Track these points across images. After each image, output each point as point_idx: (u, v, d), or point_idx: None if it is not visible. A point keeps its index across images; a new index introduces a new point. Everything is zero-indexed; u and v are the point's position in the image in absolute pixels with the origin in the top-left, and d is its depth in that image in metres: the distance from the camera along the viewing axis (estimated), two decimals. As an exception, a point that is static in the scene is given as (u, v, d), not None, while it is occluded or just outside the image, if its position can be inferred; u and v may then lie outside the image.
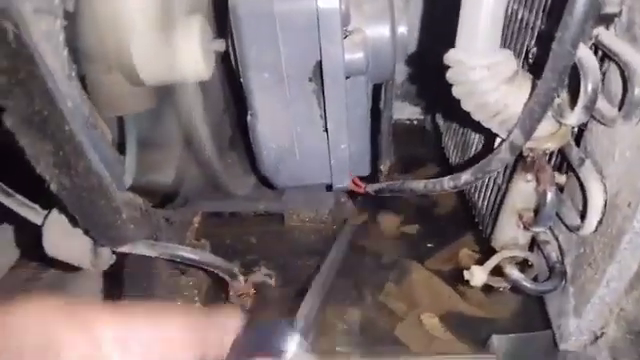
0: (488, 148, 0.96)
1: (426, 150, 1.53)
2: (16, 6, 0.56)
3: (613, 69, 0.69)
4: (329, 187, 1.01)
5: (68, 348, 0.45)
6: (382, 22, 0.85)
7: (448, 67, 0.74)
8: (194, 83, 0.88)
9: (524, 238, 0.84)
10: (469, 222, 1.20)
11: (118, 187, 0.71)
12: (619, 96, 0.67)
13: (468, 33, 0.69)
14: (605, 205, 0.71)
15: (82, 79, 0.76)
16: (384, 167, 1.28)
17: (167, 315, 0.51)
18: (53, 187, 0.64)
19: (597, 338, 0.76)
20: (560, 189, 0.83)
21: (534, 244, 0.89)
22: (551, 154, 0.84)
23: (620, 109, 0.66)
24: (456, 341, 0.94)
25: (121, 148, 0.95)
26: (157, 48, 0.89)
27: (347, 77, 0.84)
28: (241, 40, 0.82)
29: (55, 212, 0.79)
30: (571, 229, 0.80)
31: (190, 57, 0.88)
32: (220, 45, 0.94)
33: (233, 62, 0.90)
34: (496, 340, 0.86)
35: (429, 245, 1.19)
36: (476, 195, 1.02)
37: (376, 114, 1.12)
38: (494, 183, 0.93)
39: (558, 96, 0.71)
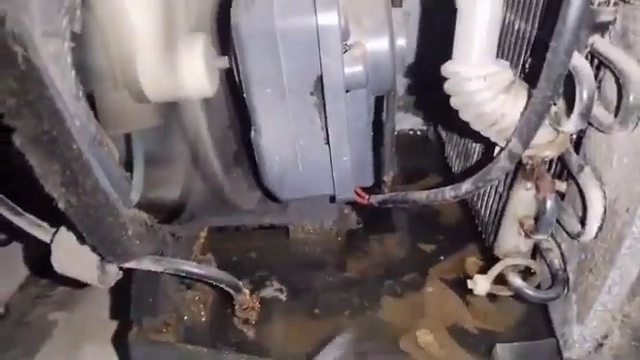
0: (488, 157, 0.97)
1: (429, 160, 1.54)
2: (26, 30, 0.58)
3: (608, 77, 0.70)
4: (332, 198, 1.02)
5: None
6: (381, 35, 0.87)
7: (446, 79, 0.75)
8: (199, 100, 0.90)
9: (526, 246, 0.85)
10: (473, 231, 1.21)
11: (124, 204, 0.72)
12: (615, 103, 0.68)
13: (464, 45, 0.71)
14: (605, 211, 0.72)
15: (89, 96, 0.78)
16: (387, 178, 1.28)
17: None
18: (61, 205, 0.65)
19: (601, 345, 0.76)
20: (561, 196, 0.84)
21: (537, 252, 0.89)
22: (551, 162, 0.85)
23: (616, 116, 0.67)
24: (461, 350, 0.94)
25: (128, 165, 0.97)
26: (162, 66, 0.91)
27: (347, 90, 0.86)
28: (243, 57, 0.84)
29: (63, 230, 0.81)
30: (572, 236, 0.81)
31: (194, 74, 0.90)
32: (223, 62, 0.96)
33: (236, 78, 0.91)
34: (500, 349, 0.86)
35: (433, 254, 1.19)
36: (478, 204, 1.03)
37: (378, 125, 1.13)
38: (495, 192, 0.94)
39: (554, 104, 0.73)
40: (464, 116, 0.76)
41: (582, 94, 0.66)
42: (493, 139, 0.77)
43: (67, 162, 0.62)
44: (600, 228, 0.73)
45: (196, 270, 0.83)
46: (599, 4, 0.69)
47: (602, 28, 0.71)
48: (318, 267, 1.17)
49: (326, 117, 0.88)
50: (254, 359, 0.89)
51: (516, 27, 0.88)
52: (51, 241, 0.82)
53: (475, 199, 1.04)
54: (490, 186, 0.98)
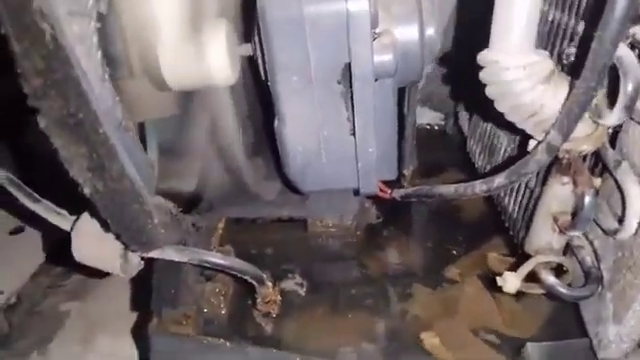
0: (521, 151, 0.95)
1: (447, 155, 1.51)
2: (52, 8, 0.56)
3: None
4: (356, 192, 1.00)
5: None
6: (411, 24, 0.85)
7: (481, 67, 0.73)
8: (226, 87, 0.88)
9: (559, 243, 0.82)
10: (494, 227, 1.18)
11: (149, 191, 0.70)
12: (657, 95, 0.65)
13: (502, 32, 0.68)
14: (645, 208, 0.69)
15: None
16: (407, 172, 1.26)
17: None
18: (86, 191, 0.63)
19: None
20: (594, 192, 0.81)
21: (567, 249, 0.87)
22: (584, 156, 0.82)
23: (659, 108, 0.65)
24: (488, 350, 0.92)
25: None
26: (184, 53, 0.89)
27: (375, 79, 0.83)
28: (270, 43, 0.81)
29: (84, 217, 0.79)
30: (608, 233, 0.78)
31: (217, 62, 0.88)
32: (246, 50, 0.94)
33: (260, 66, 0.89)
34: (531, 348, 0.84)
35: (454, 250, 1.17)
36: (506, 199, 1.00)
37: (399, 118, 1.11)
38: (526, 187, 0.91)
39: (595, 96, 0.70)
40: (500, 107, 0.73)
41: (627, 85, 0.64)
42: (529, 131, 0.74)
43: (93, 146, 0.60)
44: (640, 225, 0.70)
45: (220, 261, 0.81)
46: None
47: (644, 19, 0.68)
48: (338, 261, 1.15)
49: (353, 106, 0.86)
50: (277, 353, 0.86)
51: (550, 17, 0.85)
52: (71, 229, 0.80)
53: (502, 195, 1.02)
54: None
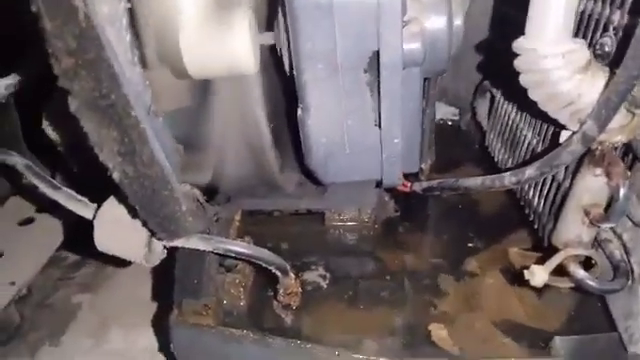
0: (551, 143, 0.94)
1: (462, 150, 1.50)
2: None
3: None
4: (378, 183, 0.99)
5: None
6: (439, 13, 0.83)
7: (516, 55, 0.71)
8: (253, 76, 0.86)
9: (588, 235, 0.81)
10: (513, 221, 1.17)
11: (177, 178, 0.69)
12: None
13: (540, 20, 0.67)
14: (681, 200, 0.68)
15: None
16: (425, 166, 1.25)
17: None
18: (115, 175, 0.62)
19: (673, 340, 0.72)
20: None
21: (594, 243, 0.85)
22: (616, 148, 0.81)
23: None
24: (513, 343, 0.90)
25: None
26: (208, 39, 0.87)
27: (403, 68, 0.82)
28: (296, 30, 0.80)
29: (107, 205, 0.78)
30: (639, 225, 0.77)
31: (241, 49, 0.86)
32: (268, 38, 0.92)
33: (285, 54, 0.88)
34: (559, 342, 0.82)
35: (473, 244, 1.16)
36: (531, 192, 0.99)
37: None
38: (553, 179, 0.90)
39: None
40: (534, 96, 0.72)
41: (669, 74, 0.62)
42: (564, 122, 0.73)
43: (125, 129, 0.59)
44: (675, 217, 0.69)
45: (247, 250, 0.80)
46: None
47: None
48: (356, 255, 1.13)
49: (379, 96, 0.84)
50: (300, 344, 0.85)
51: (581, 7, 0.84)
52: (94, 217, 0.78)
53: (527, 188, 1.00)
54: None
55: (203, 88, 0.98)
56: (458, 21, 0.87)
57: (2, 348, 1.35)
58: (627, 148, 0.79)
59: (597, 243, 0.85)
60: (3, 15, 0.97)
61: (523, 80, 0.71)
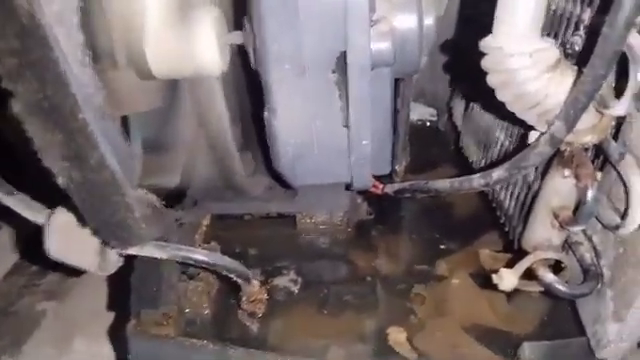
0: (520, 145, 0.92)
1: (439, 151, 1.49)
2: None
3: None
4: (348, 186, 0.96)
5: None
6: (409, 12, 0.81)
7: (482, 55, 0.70)
8: (217, 77, 0.83)
9: (558, 238, 0.80)
10: (486, 223, 1.16)
11: (131, 183, 0.66)
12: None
13: (508, 16, 0.66)
14: (650, 202, 0.67)
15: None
16: (399, 167, 1.23)
17: None
18: (61, 181, 0.58)
19: (640, 345, 0.71)
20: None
21: (564, 246, 0.84)
22: (586, 149, 0.80)
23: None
24: (483, 350, 0.89)
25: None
26: (172, 40, 0.84)
27: (372, 69, 0.80)
28: (263, 30, 0.77)
29: (59, 211, 0.74)
30: (609, 228, 0.76)
31: (207, 49, 0.83)
32: (237, 38, 0.90)
33: (251, 54, 0.85)
34: (528, 348, 0.81)
35: (445, 246, 1.14)
36: (502, 194, 0.98)
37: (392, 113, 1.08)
38: (524, 181, 0.89)
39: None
40: (501, 96, 0.70)
41: (637, 73, 0.61)
42: (531, 122, 0.72)
43: (71, 133, 0.56)
44: (644, 220, 0.68)
45: (204, 258, 0.77)
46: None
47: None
48: (329, 259, 1.11)
49: (347, 97, 0.82)
50: (261, 354, 0.82)
51: (552, 7, 0.82)
52: (46, 223, 0.74)
53: (498, 190, 0.99)
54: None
55: (172, 88, 0.95)
56: (429, 20, 0.85)
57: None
58: (598, 149, 0.78)
59: (568, 246, 0.84)
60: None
61: (490, 80, 0.69)
